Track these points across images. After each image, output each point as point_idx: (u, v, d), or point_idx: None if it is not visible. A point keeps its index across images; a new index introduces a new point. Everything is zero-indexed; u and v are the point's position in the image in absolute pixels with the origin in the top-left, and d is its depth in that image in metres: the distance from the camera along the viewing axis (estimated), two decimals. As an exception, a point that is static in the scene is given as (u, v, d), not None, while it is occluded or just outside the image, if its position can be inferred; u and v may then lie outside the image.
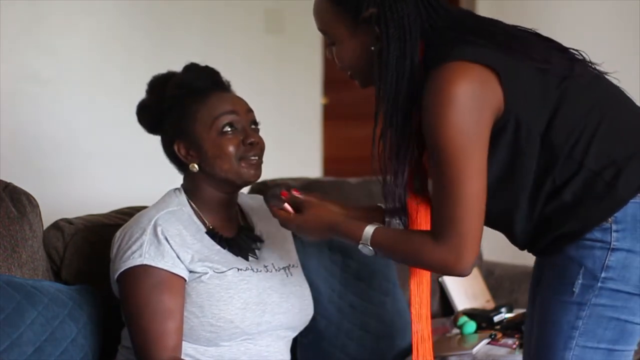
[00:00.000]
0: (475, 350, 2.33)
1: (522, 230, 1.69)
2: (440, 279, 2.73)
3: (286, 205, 1.76)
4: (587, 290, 1.64)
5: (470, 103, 1.56)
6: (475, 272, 2.83)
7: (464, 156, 1.56)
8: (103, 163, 3.21)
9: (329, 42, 1.72)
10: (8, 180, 1.98)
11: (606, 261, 1.62)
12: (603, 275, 1.63)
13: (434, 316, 2.72)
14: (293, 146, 3.73)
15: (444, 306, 2.75)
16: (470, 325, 2.50)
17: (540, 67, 1.62)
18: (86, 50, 3.16)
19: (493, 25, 1.68)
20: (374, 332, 2.31)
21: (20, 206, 1.92)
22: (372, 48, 1.65)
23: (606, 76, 1.75)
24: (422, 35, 1.62)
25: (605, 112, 1.65)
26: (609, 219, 1.62)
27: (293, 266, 1.97)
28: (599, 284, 1.63)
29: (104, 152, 3.21)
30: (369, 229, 1.66)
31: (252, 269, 1.87)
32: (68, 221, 2.06)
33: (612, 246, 1.62)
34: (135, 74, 3.06)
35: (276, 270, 1.92)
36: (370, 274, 2.36)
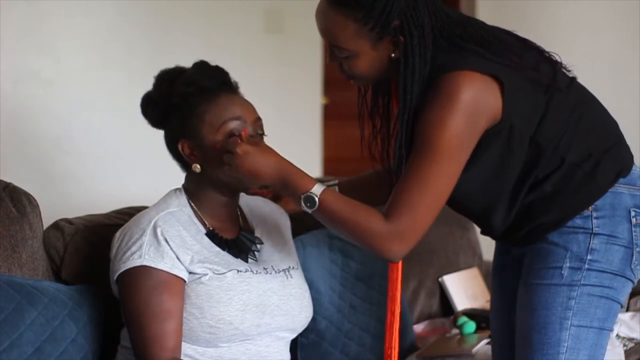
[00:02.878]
0: (474, 350, 2.33)
1: (502, 220, 1.78)
2: (440, 279, 2.73)
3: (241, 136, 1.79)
4: (575, 272, 1.74)
5: (471, 111, 1.65)
6: (475, 272, 2.83)
7: (448, 158, 1.66)
8: (103, 163, 3.21)
9: (342, 55, 1.74)
10: (8, 180, 1.98)
11: (590, 244, 1.74)
12: (589, 257, 1.74)
13: (434, 316, 2.72)
14: (293, 146, 3.71)
15: (443, 306, 2.75)
16: (470, 325, 2.51)
17: (532, 78, 1.72)
18: (86, 50, 3.16)
19: (488, 33, 1.74)
20: (374, 333, 2.31)
21: (20, 206, 1.92)
22: (392, 55, 1.72)
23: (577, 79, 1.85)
24: (432, 42, 1.70)
25: (583, 111, 1.76)
26: (590, 207, 1.74)
27: (293, 268, 1.97)
28: (586, 266, 1.74)
29: (104, 152, 3.21)
30: (320, 185, 1.71)
31: (251, 271, 1.87)
32: (68, 221, 2.06)
33: (593, 231, 1.74)
34: (135, 74, 3.07)
35: (276, 272, 1.91)
36: (370, 274, 2.36)
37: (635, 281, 1.80)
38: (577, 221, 1.74)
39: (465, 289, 2.76)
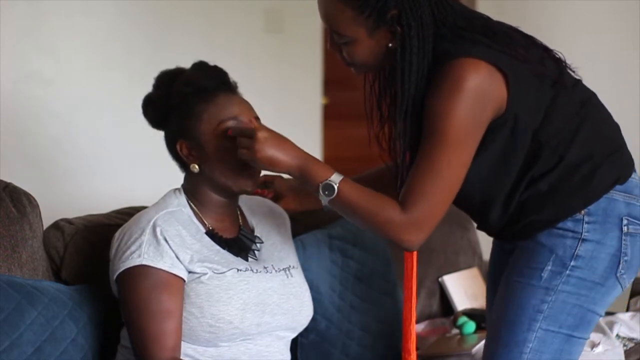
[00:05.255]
0: (474, 350, 2.33)
1: (499, 216, 1.78)
2: (440, 279, 2.74)
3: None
4: (555, 276, 1.74)
5: (478, 98, 1.64)
6: (475, 272, 2.83)
7: (457, 145, 1.65)
8: (103, 163, 3.21)
9: (340, 41, 1.74)
10: (8, 180, 1.98)
11: (576, 250, 1.73)
12: (572, 263, 1.73)
13: (434, 316, 2.73)
14: (293, 146, 3.72)
15: (443, 306, 2.75)
16: (470, 325, 2.51)
17: (537, 72, 1.71)
18: (86, 50, 3.16)
19: (494, 26, 1.75)
20: (374, 332, 2.31)
21: (20, 206, 1.92)
22: (390, 45, 1.71)
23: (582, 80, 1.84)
24: (434, 32, 1.69)
25: (587, 112, 1.75)
26: (582, 211, 1.73)
27: (293, 267, 1.97)
28: (567, 272, 1.73)
29: (104, 152, 3.21)
30: (338, 174, 1.72)
31: (251, 270, 1.87)
32: (68, 221, 2.06)
33: (582, 237, 1.73)
34: (135, 74, 3.07)
35: (276, 271, 1.91)
36: (370, 274, 2.36)
37: (621, 290, 1.79)
38: (569, 224, 1.73)
39: (465, 289, 2.76)
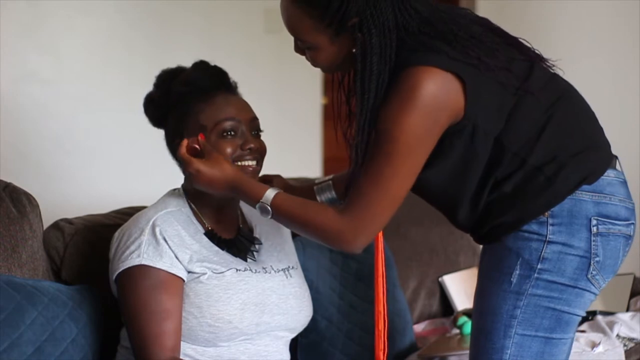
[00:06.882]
0: (475, 350, 2.33)
1: (467, 217, 1.76)
2: (440, 279, 2.74)
3: (195, 145, 1.81)
4: (524, 280, 1.71)
5: (431, 107, 1.62)
6: (475, 272, 2.82)
7: (406, 155, 1.64)
8: (103, 163, 3.21)
9: (303, 46, 1.75)
10: (8, 180, 1.98)
11: (542, 253, 1.70)
12: (539, 266, 1.71)
13: (434, 316, 2.73)
14: (293, 146, 3.73)
15: (444, 306, 2.75)
16: (470, 325, 2.50)
17: (501, 78, 1.68)
18: (86, 50, 3.16)
19: (460, 28, 1.70)
20: (374, 332, 2.31)
21: (20, 206, 1.92)
22: (354, 50, 1.69)
23: (561, 75, 1.80)
24: (397, 38, 1.67)
25: (555, 112, 1.72)
26: (546, 213, 1.70)
27: (292, 268, 1.97)
28: (535, 275, 1.71)
29: (104, 152, 3.21)
30: (272, 190, 1.73)
31: (250, 270, 1.87)
32: (68, 221, 2.06)
33: (547, 239, 1.70)
34: (135, 74, 3.08)
35: (275, 271, 1.92)
36: (370, 274, 2.36)
37: (596, 291, 1.75)
38: (534, 226, 1.70)
39: (465, 289, 2.76)
